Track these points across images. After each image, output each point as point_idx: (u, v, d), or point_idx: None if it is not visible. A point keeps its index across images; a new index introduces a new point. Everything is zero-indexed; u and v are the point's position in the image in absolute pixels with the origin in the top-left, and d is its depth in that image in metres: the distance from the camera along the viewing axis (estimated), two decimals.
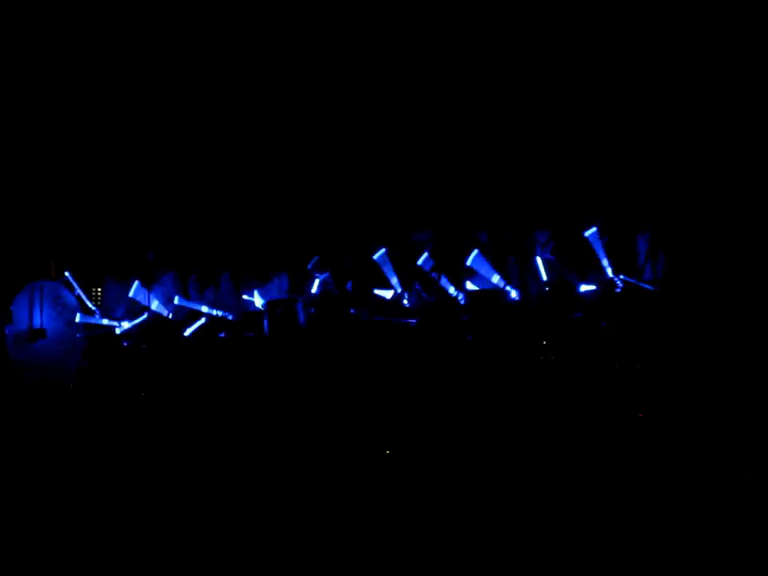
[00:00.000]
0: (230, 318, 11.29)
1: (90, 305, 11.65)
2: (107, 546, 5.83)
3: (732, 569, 5.18)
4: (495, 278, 10.33)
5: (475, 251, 10.35)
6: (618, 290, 9.38)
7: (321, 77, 11.47)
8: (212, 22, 11.11)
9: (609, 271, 9.53)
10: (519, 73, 10.76)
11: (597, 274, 9.72)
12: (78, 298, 11.50)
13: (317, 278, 11.12)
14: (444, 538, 5.71)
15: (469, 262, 10.34)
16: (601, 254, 9.57)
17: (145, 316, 11.19)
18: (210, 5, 11.03)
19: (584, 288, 9.80)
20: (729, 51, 9.97)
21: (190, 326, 11.11)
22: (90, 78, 11.43)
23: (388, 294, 10.77)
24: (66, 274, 11.51)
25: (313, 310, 10.80)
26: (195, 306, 11.18)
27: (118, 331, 11.35)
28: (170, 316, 11.34)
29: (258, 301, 11.23)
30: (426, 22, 10.64)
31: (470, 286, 10.59)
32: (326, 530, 5.93)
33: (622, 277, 9.50)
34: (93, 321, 11.40)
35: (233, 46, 11.30)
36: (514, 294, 10.24)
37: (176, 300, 11.18)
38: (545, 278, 10.24)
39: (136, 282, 11.44)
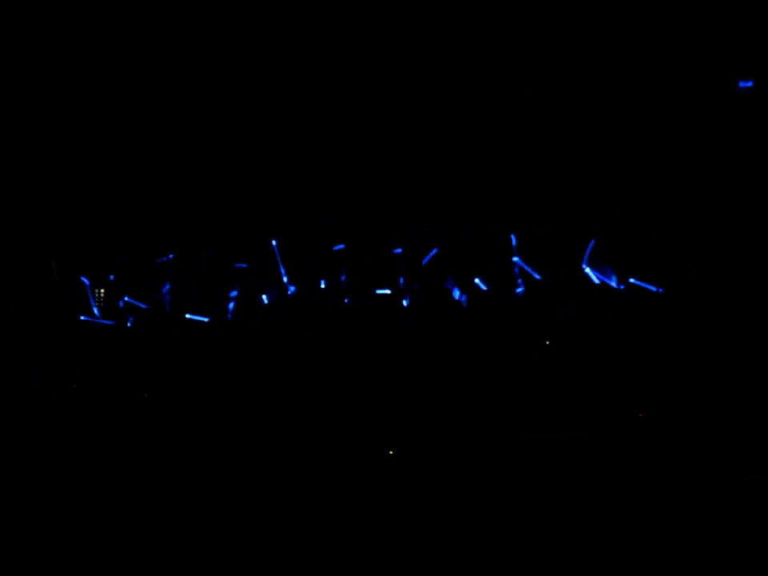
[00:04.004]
0: (231, 318, 11.30)
1: (92, 305, 11.67)
2: (108, 546, 5.84)
3: (732, 568, 5.18)
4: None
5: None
6: (622, 290, 9.38)
7: (321, 79, 11.47)
8: (211, 21, 11.11)
9: (614, 275, 9.53)
10: (524, 73, 10.75)
11: (600, 275, 9.72)
12: (82, 297, 11.52)
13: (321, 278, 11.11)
14: (445, 537, 5.71)
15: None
16: (605, 256, 9.58)
17: (146, 316, 11.21)
18: (209, 4, 11.03)
19: (585, 288, 9.81)
20: (729, 53, 9.97)
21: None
22: (92, 79, 11.43)
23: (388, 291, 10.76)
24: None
25: (313, 311, 10.81)
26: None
27: (120, 329, 11.37)
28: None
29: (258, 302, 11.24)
30: (425, 19, 10.62)
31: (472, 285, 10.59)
32: (327, 528, 5.93)
33: (618, 281, 9.49)
34: (95, 321, 11.42)
35: (232, 48, 11.30)
36: (517, 292, 10.25)
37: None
38: (546, 277, 10.24)
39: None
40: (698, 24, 9.77)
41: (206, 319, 11.18)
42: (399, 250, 11.25)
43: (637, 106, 10.38)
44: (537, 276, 10.27)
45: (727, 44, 9.89)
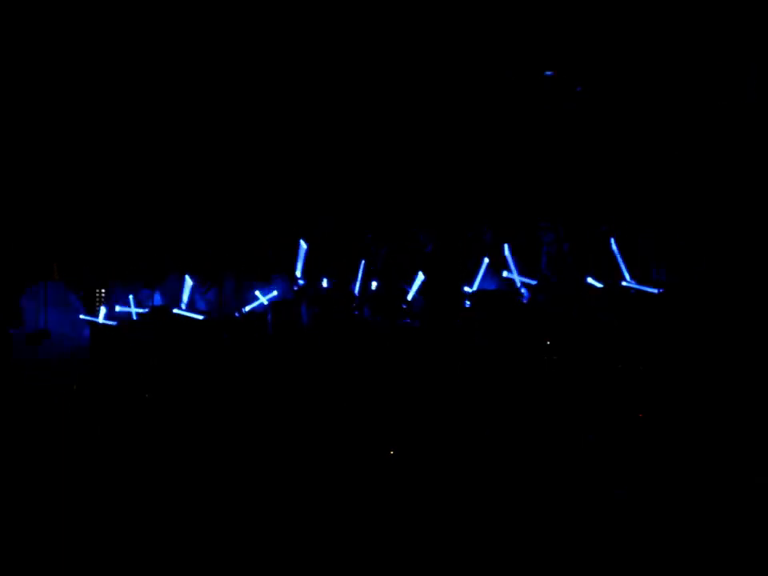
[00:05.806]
0: (233, 319, 11.33)
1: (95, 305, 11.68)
2: (108, 546, 5.85)
3: (741, 572, 5.21)
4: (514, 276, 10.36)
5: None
6: (632, 292, 9.44)
7: (323, 79, 11.48)
8: (212, 21, 11.11)
9: (621, 276, 9.58)
10: (528, 76, 10.79)
11: (602, 276, 9.77)
12: (83, 298, 11.53)
13: (323, 278, 11.14)
14: (446, 539, 5.74)
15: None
16: (609, 258, 9.64)
17: (149, 317, 11.23)
18: (209, 5, 11.03)
19: (589, 289, 9.86)
20: (728, 56, 10.03)
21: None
22: (93, 80, 11.43)
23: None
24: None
25: (317, 311, 10.83)
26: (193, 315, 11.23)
27: (121, 330, 11.38)
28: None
29: (262, 301, 11.26)
30: (427, 18, 10.64)
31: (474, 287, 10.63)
32: (328, 528, 5.96)
33: (628, 280, 9.55)
34: (97, 321, 11.43)
35: (233, 51, 11.30)
36: (521, 293, 10.29)
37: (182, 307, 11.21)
38: (549, 279, 10.29)
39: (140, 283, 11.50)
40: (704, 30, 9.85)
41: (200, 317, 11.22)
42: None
43: (640, 110, 10.44)
44: (532, 282, 10.33)
45: (726, 49, 9.97)
